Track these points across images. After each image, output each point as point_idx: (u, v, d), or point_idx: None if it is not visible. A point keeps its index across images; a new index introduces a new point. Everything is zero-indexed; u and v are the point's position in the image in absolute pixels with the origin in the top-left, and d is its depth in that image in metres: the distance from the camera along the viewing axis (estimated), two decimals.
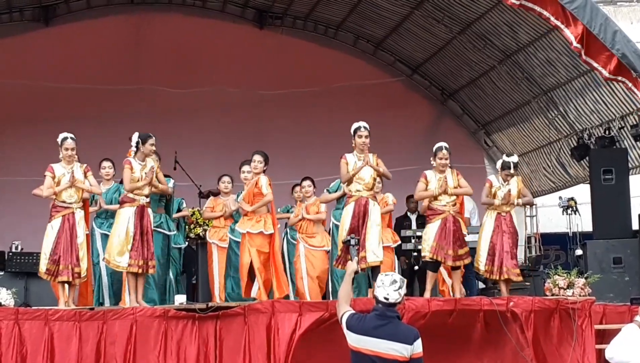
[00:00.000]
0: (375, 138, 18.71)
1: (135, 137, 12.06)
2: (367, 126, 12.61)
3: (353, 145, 12.52)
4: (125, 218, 11.81)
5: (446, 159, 12.76)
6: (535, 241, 19.06)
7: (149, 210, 11.94)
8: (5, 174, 17.74)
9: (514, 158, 13.11)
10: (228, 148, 17.79)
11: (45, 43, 18.69)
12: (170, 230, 12.84)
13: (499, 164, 13.12)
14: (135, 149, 12.03)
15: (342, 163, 12.36)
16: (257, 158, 12.49)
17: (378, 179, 12.61)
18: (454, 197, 12.70)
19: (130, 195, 11.84)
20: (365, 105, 19.40)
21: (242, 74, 19.33)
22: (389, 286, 7.63)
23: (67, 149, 11.81)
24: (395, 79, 20.19)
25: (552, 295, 12.20)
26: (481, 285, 15.49)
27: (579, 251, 15.73)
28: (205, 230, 14.10)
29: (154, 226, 12.27)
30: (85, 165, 11.95)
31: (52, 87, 18.47)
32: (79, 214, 11.71)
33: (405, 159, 18.18)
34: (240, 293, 12.54)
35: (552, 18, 12.87)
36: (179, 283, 13.64)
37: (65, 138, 11.84)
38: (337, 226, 12.66)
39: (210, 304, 11.77)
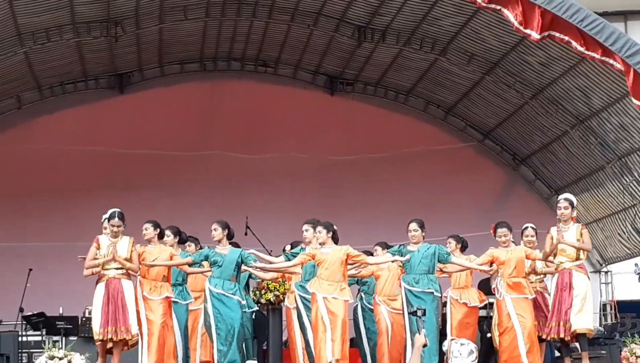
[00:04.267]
0: (446, 203, 18.88)
1: (107, 214, 12.37)
2: (568, 197, 12.88)
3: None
4: (98, 293, 12.16)
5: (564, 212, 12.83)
6: (611, 309, 18.77)
7: (122, 281, 12.18)
8: (77, 239, 17.83)
9: (567, 194, 13.10)
10: (299, 213, 17.71)
11: (119, 110, 18.99)
12: (243, 299, 12.80)
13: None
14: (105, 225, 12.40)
15: (547, 237, 12.67)
16: (319, 228, 12.51)
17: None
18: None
19: (98, 269, 12.21)
20: (436, 170, 19.42)
21: (313, 140, 19.42)
22: (467, 357, 7.51)
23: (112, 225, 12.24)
24: (466, 145, 20.12)
25: None
26: (557, 354, 15.17)
27: None
28: (276, 296, 14.02)
29: (230, 293, 12.35)
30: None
31: (126, 153, 18.72)
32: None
33: (476, 225, 18.03)
34: None
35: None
36: (252, 348, 13.58)
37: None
38: (409, 291, 12.59)
39: None
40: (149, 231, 12.67)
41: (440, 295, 12.85)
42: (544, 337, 12.69)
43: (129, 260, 12.24)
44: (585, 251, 12.53)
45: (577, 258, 12.56)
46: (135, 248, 12.32)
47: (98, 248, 12.26)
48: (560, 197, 13.09)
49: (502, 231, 12.97)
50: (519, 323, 12.47)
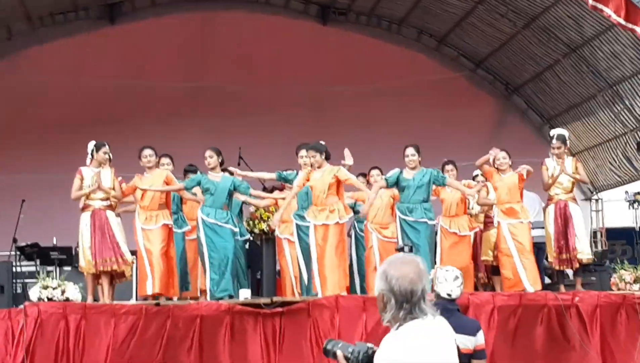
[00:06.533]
0: (438, 133, 18.89)
1: (90, 145, 12.46)
2: (560, 135, 13.21)
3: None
4: (83, 223, 12.31)
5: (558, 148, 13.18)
6: (601, 236, 18.91)
7: (108, 212, 12.32)
8: (70, 170, 17.79)
9: (559, 130, 13.29)
10: (292, 144, 17.75)
11: (110, 41, 18.88)
12: (235, 226, 12.81)
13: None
14: (90, 157, 12.45)
15: (543, 168, 13.06)
16: (311, 153, 12.50)
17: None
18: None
19: (85, 201, 12.36)
20: (429, 100, 19.39)
21: (305, 71, 19.34)
22: (452, 282, 7.58)
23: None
24: (459, 75, 20.10)
25: (619, 289, 12.10)
26: (547, 280, 15.33)
27: None
28: (269, 226, 14.06)
29: (222, 222, 12.39)
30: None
31: (117, 85, 18.65)
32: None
33: (470, 154, 18.05)
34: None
35: (613, 15, 12.70)
36: (245, 278, 13.66)
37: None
38: (403, 220, 12.62)
39: (274, 299, 11.81)
40: (153, 158, 12.68)
41: (434, 224, 12.88)
42: (555, 267, 12.98)
43: (113, 189, 12.34)
44: (583, 183, 12.83)
45: (572, 190, 12.85)
46: (116, 177, 12.42)
47: (82, 179, 12.35)
48: (552, 134, 13.22)
49: (501, 154, 13.07)
50: (515, 248, 12.61)
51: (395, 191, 13.14)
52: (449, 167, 13.53)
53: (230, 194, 12.71)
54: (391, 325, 4.86)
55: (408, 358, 4.74)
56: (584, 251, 12.87)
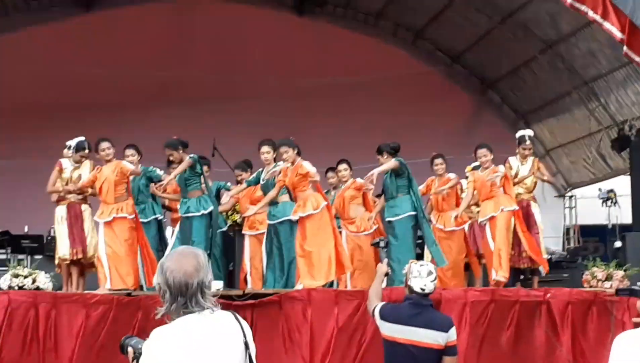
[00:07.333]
0: (413, 127, 18.88)
1: (73, 142, 12.41)
2: (531, 136, 13.30)
3: (517, 151, 13.22)
4: (59, 216, 12.37)
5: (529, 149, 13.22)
6: (574, 233, 18.98)
7: (83, 206, 12.38)
8: (43, 158, 17.68)
9: (529, 131, 13.28)
10: (267, 135, 17.70)
11: (85, 29, 18.74)
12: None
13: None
14: (70, 151, 12.43)
15: (506, 167, 12.93)
16: (284, 148, 12.17)
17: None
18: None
19: (62, 194, 12.39)
20: (404, 94, 19.39)
21: (281, 62, 19.32)
22: (426, 277, 7.57)
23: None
24: (435, 69, 20.11)
25: (590, 287, 12.12)
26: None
27: (618, 244, 15.63)
28: (243, 218, 13.97)
29: (182, 214, 12.27)
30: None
31: (91, 72, 18.51)
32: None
33: (444, 149, 18.06)
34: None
35: (590, 12, 12.68)
36: (219, 270, 13.52)
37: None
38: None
39: (246, 291, 11.76)
40: (111, 150, 12.27)
41: (405, 215, 12.58)
42: (516, 266, 12.91)
43: (91, 184, 12.26)
44: (550, 183, 12.93)
45: (533, 190, 13.02)
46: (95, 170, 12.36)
47: (60, 171, 12.29)
48: (522, 135, 13.19)
49: (481, 151, 12.89)
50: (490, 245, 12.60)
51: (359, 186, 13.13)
52: (438, 161, 13.37)
53: (190, 177, 12.46)
54: (167, 319, 4.82)
55: (170, 351, 4.69)
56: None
